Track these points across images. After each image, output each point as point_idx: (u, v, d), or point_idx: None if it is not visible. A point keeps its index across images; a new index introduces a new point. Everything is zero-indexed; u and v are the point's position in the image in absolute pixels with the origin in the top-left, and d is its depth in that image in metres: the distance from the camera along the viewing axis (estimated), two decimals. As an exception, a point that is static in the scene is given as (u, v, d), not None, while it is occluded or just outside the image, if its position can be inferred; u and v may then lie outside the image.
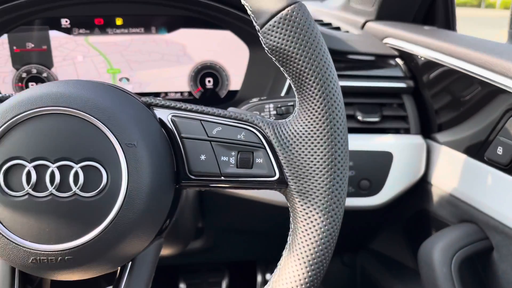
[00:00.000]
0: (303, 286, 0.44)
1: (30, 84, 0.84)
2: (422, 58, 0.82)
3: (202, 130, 0.48)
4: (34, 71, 0.83)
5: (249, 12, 0.45)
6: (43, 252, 0.41)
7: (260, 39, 0.45)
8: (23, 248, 0.41)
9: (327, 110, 0.44)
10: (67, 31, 0.82)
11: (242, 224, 0.98)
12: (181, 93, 0.89)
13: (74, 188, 0.42)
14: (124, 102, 0.46)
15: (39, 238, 0.42)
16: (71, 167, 0.42)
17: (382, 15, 0.98)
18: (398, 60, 0.87)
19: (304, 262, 0.44)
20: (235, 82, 0.89)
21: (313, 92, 0.44)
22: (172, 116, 0.48)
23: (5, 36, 0.81)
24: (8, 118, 0.42)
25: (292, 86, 0.46)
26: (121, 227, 0.42)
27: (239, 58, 0.87)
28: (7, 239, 0.41)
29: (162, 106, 0.49)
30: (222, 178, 0.47)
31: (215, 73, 0.88)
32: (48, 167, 0.42)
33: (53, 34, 0.82)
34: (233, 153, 0.47)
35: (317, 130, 0.45)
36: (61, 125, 0.42)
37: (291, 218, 0.48)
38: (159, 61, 0.86)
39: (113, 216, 0.42)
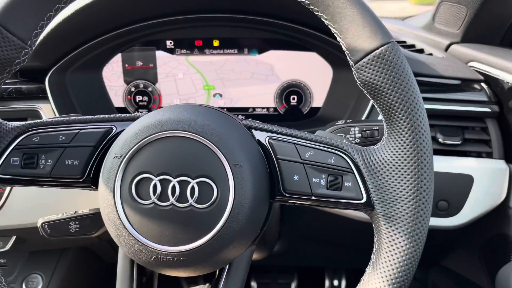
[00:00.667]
0: None
1: (137, 97, 0.96)
2: (509, 84, 0.81)
3: (296, 153, 0.53)
4: (141, 85, 0.95)
5: (344, 48, 0.49)
6: (163, 252, 0.50)
7: (353, 73, 0.49)
8: (148, 248, 0.50)
9: (415, 142, 0.48)
10: (171, 51, 0.93)
11: (317, 233, 1.03)
12: (267, 108, 0.96)
13: (190, 200, 0.50)
14: (231, 126, 0.53)
15: (160, 240, 0.50)
16: (189, 182, 0.50)
17: (468, 37, 0.99)
18: (483, 85, 0.87)
19: (387, 280, 0.49)
20: (318, 99, 0.94)
21: (402, 125, 0.48)
22: (269, 138, 0.54)
23: (119, 55, 0.93)
24: (140, 139, 0.51)
25: (382, 116, 0.51)
26: (227, 235, 0.50)
27: (323, 78, 0.93)
28: (136, 239, 0.50)
29: (261, 129, 0.55)
30: (313, 197, 0.53)
31: (299, 91, 0.94)
32: (170, 181, 0.50)
33: (159, 54, 0.93)
34: (323, 176, 0.52)
35: (405, 159, 0.49)
36: (182, 146, 0.50)
37: (375, 238, 0.52)
38: (249, 79, 0.94)
39: (220, 226, 0.49)
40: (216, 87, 0.95)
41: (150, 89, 0.95)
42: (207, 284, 0.93)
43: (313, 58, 0.92)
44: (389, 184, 0.50)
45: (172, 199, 0.50)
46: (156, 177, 0.50)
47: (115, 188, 0.50)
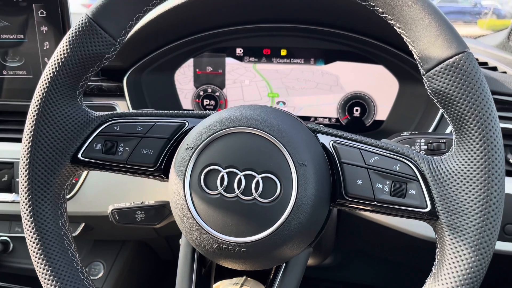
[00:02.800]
0: None
1: (205, 100, 1.00)
2: None
3: (361, 158, 0.53)
4: (210, 90, 1.00)
5: (415, 56, 0.49)
6: (225, 241, 0.51)
7: (424, 82, 0.49)
8: (211, 236, 0.52)
9: (486, 153, 0.47)
10: (240, 58, 0.97)
11: (371, 248, 1.01)
12: (329, 119, 0.97)
13: (254, 194, 0.51)
14: (297, 127, 0.55)
15: (224, 230, 0.52)
16: (254, 177, 0.51)
17: (546, 56, 0.94)
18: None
19: (449, 292, 0.48)
20: (382, 112, 0.94)
21: (473, 135, 0.47)
22: (334, 142, 0.55)
23: (191, 60, 0.98)
24: (212, 132, 0.54)
25: (451, 127, 0.50)
26: (287, 231, 0.51)
27: (388, 91, 0.92)
28: (201, 227, 0.52)
29: (325, 133, 0.56)
30: (375, 203, 0.52)
31: (363, 103, 0.94)
32: (237, 174, 0.52)
33: (228, 61, 0.97)
34: (387, 182, 0.52)
35: (474, 170, 0.48)
36: (250, 142, 0.52)
37: (437, 249, 0.51)
38: (313, 89, 0.95)
39: (282, 222, 0.50)
40: (280, 95, 0.97)
41: (217, 93, 1.00)
42: (244, 277, 0.93)
43: (379, 71, 0.92)
44: (456, 195, 0.49)
45: (237, 192, 0.51)
46: (224, 169, 0.52)
47: (185, 177, 0.53)
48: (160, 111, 0.61)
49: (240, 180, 0.52)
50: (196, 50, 0.97)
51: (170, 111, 0.61)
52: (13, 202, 0.94)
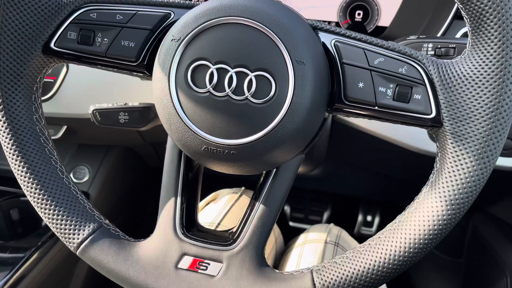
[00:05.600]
0: (441, 222, 0.46)
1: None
2: None
3: (364, 59, 0.49)
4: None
5: None
6: (214, 143, 0.48)
7: None
8: (199, 137, 0.48)
9: (504, 56, 0.43)
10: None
11: (361, 161, 1.01)
12: (329, 22, 0.90)
13: (246, 93, 0.47)
14: (297, 22, 0.49)
15: (212, 131, 0.48)
16: (247, 75, 0.47)
17: None
18: None
19: (446, 200, 0.46)
20: (385, 18, 0.87)
21: (491, 34, 0.43)
22: (336, 41, 0.50)
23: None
24: (200, 22, 0.48)
25: (468, 25, 0.45)
26: (280, 135, 0.47)
27: (395, -7, 0.85)
28: (188, 127, 0.49)
29: (327, 31, 0.51)
30: (376, 108, 0.49)
31: (366, 6, 0.87)
32: (228, 71, 0.47)
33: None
34: (391, 85, 0.48)
35: (488, 74, 0.44)
36: (244, 35, 0.47)
37: (437, 158, 0.48)
38: (314, -12, 0.87)
39: (275, 124, 0.47)
40: (276, -6, 0.89)
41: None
42: (243, 188, 0.93)
43: (387, -30, 0.83)
44: (465, 101, 0.45)
45: (228, 90, 0.47)
46: (213, 65, 0.47)
47: (171, 72, 0.48)
48: None
49: (231, 77, 0.47)
50: None
51: (154, 0, 0.54)
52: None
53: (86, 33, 0.52)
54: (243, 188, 0.95)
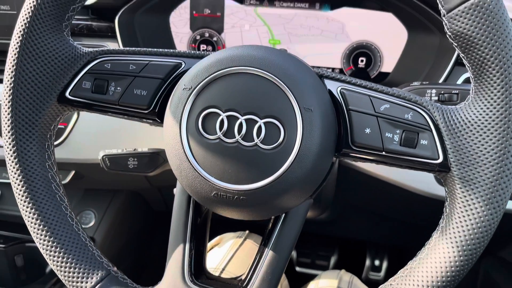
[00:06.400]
0: (453, 268, 0.45)
1: (201, 46, 0.95)
2: None
3: (370, 105, 0.50)
4: (207, 34, 0.94)
5: None
6: (224, 188, 0.48)
7: (444, 23, 0.45)
8: (209, 183, 0.49)
9: (507, 102, 0.44)
10: (240, 1, 0.91)
11: (368, 204, 1.00)
12: (333, 69, 0.92)
13: (256, 140, 0.48)
14: (304, 70, 0.51)
15: (222, 177, 0.49)
16: (256, 121, 0.48)
17: None
18: None
19: (458, 246, 0.45)
20: (388, 64, 0.89)
21: (494, 82, 0.44)
22: (342, 88, 0.51)
23: (188, 1, 0.92)
24: (211, 72, 0.49)
25: (470, 73, 0.46)
26: (289, 180, 0.48)
27: (396, 41, 0.87)
28: (198, 172, 0.49)
29: (333, 79, 0.52)
30: (383, 153, 0.49)
31: (369, 53, 0.90)
32: (237, 118, 0.48)
33: (228, 3, 0.91)
34: (398, 131, 0.49)
35: (492, 120, 0.45)
36: (253, 84, 0.48)
37: (446, 203, 0.48)
38: (317, 36, 0.90)
39: (284, 169, 0.47)
40: (282, 42, 0.92)
41: (215, 38, 0.94)
42: (247, 232, 0.92)
43: (387, 19, 0.87)
44: (471, 146, 0.46)
45: (238, 137, 0.48)
46: (223, 112, 0.48)
47: (182, 120, 0.49)
48: (155, 49, 0.56)
49: (241, 124, 0.48)
50: (194, -10, 0.91)
51: (166, 50, 0.56)
52: (1, 147, 0.90)
53: (100, 82, 0.54)
54: (247, 231, 0.94)
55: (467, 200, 0.46)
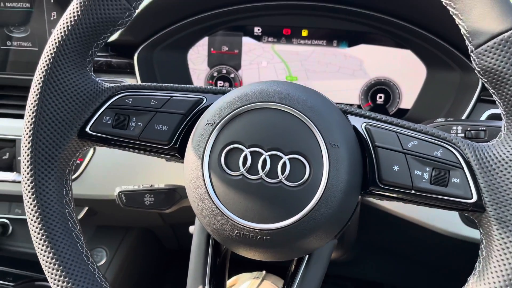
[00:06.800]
0: None
1: (218, 82, 0.95)
2: None
3: (397, 142, 0.48)
4: (224, 71, 0.94)
5: (463, 31, 0.44)
6: (246, 227, 0.46)
7: (472, 59, 0.44)
8: (231, 221, 0.47)
9: None
10: (258, 38, 0.91)
11: (389, 244, 0.97)
12: (351, 105, 0.91)
13: (280, 177, 0.46)
14: (328, 106, 0.50)
15: (245, 215, 0.47)
16: (280, 158, 0.46)
17: None
18: None
19: (498, 292, 0.43)
20: (407, 101, 0.88)
21: None
22: (367, 124, 0.50)
23: (206, 38, 0.93)
24: (235, 107, 0.48)
25: (502, 109, 0.45)
26: (315, 219, 0.45)
27: (415, 77, 0.87)
28: (220, 210, 0.47)
29: (357, 115, 0.51)
30: (413, 191, 0.47)
31: (387, 89, 0.89)
32: (261, 154, 0.47)
33: (245, 40, 0.92)
34: (427, 169, 0.47)
35: None
36: (277, 119, 0.47)
37: (482, 245, 0.46)
38: (335, 73, 0.90)
39: (310, 208, 0.45)
40: (299, 78, 0.92)
41: (232, 75, 0.94)
42: (264, 272, 0.89)
43: (406, 56, 0.86)
44: (506, 185, 0.44)
45: (261, 173, 0.46)
46: (247, 148, 0.47)
47: (204, 155, 0.48)
48: (176, 85, 0.56)
49: (265, 160, 0.47)
50: (212, 28, 0.92)
51: (187, 86, 0.56)
52: (14, 181, 0.90)
53: (121, 117, 0.53)
54: (264, 272, 0.91)
55: (505, 243, 0.43)
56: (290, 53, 0.91)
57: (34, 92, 0.51)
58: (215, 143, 0.48)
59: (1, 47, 0.86)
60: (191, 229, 0.80)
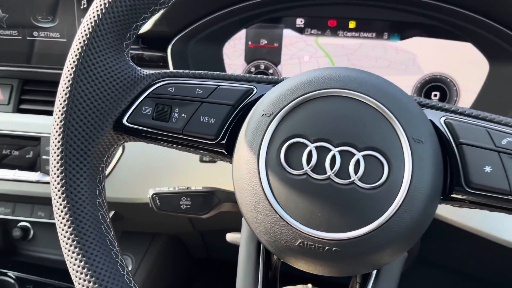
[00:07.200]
0: None
1: (257, 78, 0.88)
2: None
3: (488, 138, 0.41)
4: (262, 66, 0.87)
5: None
6: (312, 237, 0.39)
7: None
8: (293, 229, 0.40)
9: None
10: (300, 30, 0.85)
11: (448, 260, 0.88)
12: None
13: (353, 176, 0.39)
14: (405, 96, 0.42)
15: (310, 222, 0.39)
16: (353, 154, 0.39)
17: None
18: None
19: None
20: (466, 99, 0.80)
21: None
22: (447, 119, 0.43)
23: (243, 31, 0.86)
24: (297, 95, 0.42)
25: None
26: (395, 228, 0.38)
27: (476, 73, 0.79)
28: (279, 216, 0.40)
29: (434, 107, 0.44)
30: (511, 197, 0.40)
31: (443, 86, 0.81)
32: (329, 150, 0.40)
33: (286, 33, 0.85)
34: None
35: None
36: (348, 109, 0.40)
37: None
38: (385, 69, 0.82)
39: (390, 214, 0.38)
40: (345, 74, 0.84)
41: (271, 71, 0.87)
42: (309, 286, 0.81)
43: (465, 49, 0.78)
44: None
45: (330, 172, 0.39)
46: (312, 143, 0.40)
47: (260, 152, 0.41)
48: (223, 73, 0.49)
49: (334, 157, 0.39)
50: (249, 20, 0.85)
51: (235, 74, 0.49)
52: (37, 182, 0.84)
53: (162, 108, 0.47)
54: (309, 285, 0.83)
55: None
56: (335, 47, 0.83)
57: (67, 77, 0.45)
58: (274, 136, 0.41)
59: (27, 38, 0.81)
60: (229, 236, 0.73)
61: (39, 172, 0.84)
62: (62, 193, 0.45)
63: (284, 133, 0.41)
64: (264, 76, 0.49)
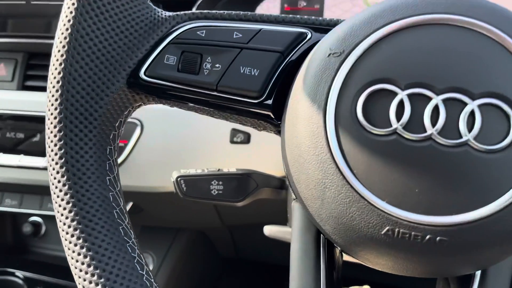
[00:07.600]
0: None
1: (293, 48, 0.78)
2: None
3: None
4: (300, 33, 0.77)
5: None
6: (406, 222, 0.28)
7: None
8: (377, 211, 0.28)
9: None
10: (345, -11, 0.73)
11: None
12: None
13: (466, 135, 0.28)
14: None
15: (401, 201, 0.28)
16: (464, 104, 0.28)
17: None
18: None
19: None
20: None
21: None
22: None
23: (278, -7, 0.76)
24: (377, 26, 0.31)
25: None
26: None
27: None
28: (358, 193, 0.29)
29: None
30: None
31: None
32: (429, 99, 0.29)
33: (329, -8, 0.74)
34: None
35: None
36: (455, 42, 0.30)
37: None
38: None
39: None
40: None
41: (310, 38, 0.77)
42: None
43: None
44: None
45: (431, 130, 0.28)
46: (403, 90, 0.29)
47: (329, 104, 0.30)
48: (267, 14, 0.38)
49: (436, 109, 0.28)
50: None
51: (282, 15, 0.38)
52: (46, 169, 0.75)
53: (190, 56, 0.36)
54: (366, 286, 0.71)
55: None
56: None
57: (66, 16, 0.35)
58: (347, 82, 0.30)
59: (31, 3, 0.72)
60: (268, 230, 0.62)
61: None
62: (61, 167, 0.34)
63: (362, 78, 0.30)
64: (320, 18, 0.38)
